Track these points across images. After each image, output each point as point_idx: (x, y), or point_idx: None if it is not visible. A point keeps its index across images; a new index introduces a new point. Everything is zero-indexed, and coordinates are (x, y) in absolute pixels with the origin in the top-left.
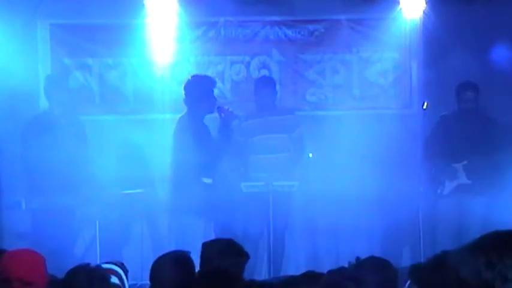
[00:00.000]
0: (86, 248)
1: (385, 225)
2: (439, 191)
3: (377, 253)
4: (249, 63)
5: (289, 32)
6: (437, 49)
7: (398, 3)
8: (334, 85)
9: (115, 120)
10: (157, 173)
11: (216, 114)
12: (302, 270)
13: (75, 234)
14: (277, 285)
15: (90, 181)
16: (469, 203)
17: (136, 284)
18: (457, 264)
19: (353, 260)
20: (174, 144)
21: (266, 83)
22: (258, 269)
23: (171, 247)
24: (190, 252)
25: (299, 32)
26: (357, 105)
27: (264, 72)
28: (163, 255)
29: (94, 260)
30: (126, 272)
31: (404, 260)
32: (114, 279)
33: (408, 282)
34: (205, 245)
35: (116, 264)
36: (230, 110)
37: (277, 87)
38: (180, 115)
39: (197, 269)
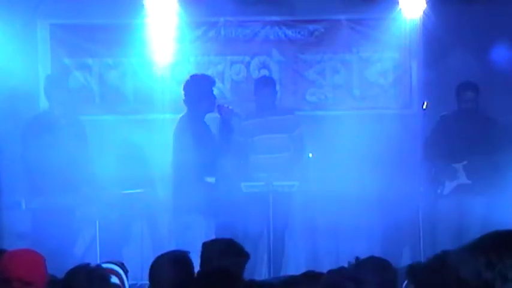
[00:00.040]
0: (86, 248)
1: (385, 225)
2: (439, 191)
3: (377, 253)
4: (249, 63)
5: (289, 32)
6: (437, 49)
7: (398, 3)
8: (334, 85)
9: (115, 120)
10: (157, 173)
11: (216, 113)
12: (302, 270)
13: (75, 234)
14: (277, 285)
15: (90, 181)
16: (469, 203)
17: (136, 284)
18: (457, 264)
19: (353, 260)
20: (175, 145)
21: (266, 83)
22: (258, 269)
23: (171, 247)
24: (189, 252)
25: (299, 32)
26: (357, 105)
27: (264, 72)
28: (162, 255)
29: (94, 260)
30: (126, 272)
31: (404, 260)
32: (114, 279)
33: (405, 282)
34: (205, 245)
35: (116, 264)
36: (230, 108)
37: (277, 87)
38: (180, 115)
39: (197, 269)
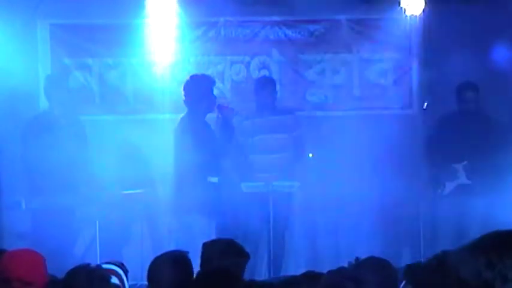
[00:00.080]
0: (86, 248)
1: (385, 225)
2: (439, 191)
3: (377, 253)
4: (249, 63)
5: (289, 32)
6: (437, 49)
7: (399, 3)
8: (334, 85)
9: (115, 120)
10: (157, 173)
11: (216, 113)
12: (302, 270)
13: (75, 234)
14: (277, 285)
15: (90, 181)
16: (469, 203)
17: (136, 284)
18: (457, 264)
19: (353, 260)
20: (176, 145)
21: (266, 83)
22: (258, 269)
23: (171, 247)
24: (188, 252)
25: (299, 32)
26: (357, 106)
27: (264, 72)
28: (161, 255)
29: (94, 260)
30: (126, 272)
31: (404, 260)
32: (114, 280)
33: (403, 282)
34: (205, 245)
35: (115, 265)
36: (230, 107)
37: (277, 87)
38: (180, 115)
39: (197, 269)
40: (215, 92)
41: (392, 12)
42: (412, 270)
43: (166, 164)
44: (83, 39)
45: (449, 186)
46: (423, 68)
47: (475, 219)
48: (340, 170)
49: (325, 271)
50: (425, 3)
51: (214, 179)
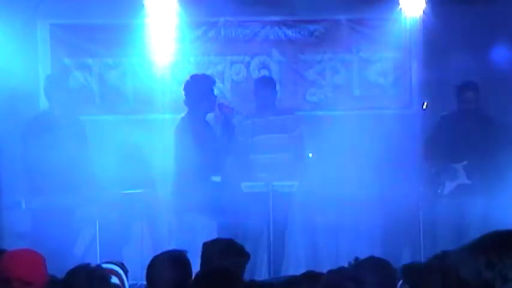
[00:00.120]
0: (86, 248)
1: (385, 225)
2: (439, 191)
3: (377, 253)
4: (249, 63)
5: (289, 32)
6: (437, 49)
7: (398, 3)
8: (334, 85)
9: (115, 120)
10: (157, 173)
11: (217, 112)
12: (302, 270)
13: (75, 234)
14: (277, 285)
15: (90, 181)
16: (469, 203)
17: (136, 284)
18: (457, 264)
19: (353, 260)
20: (178, 145)
21: (266, 83)
22: (258, 269)
23: (171, 247)
24: (187, 251)
25: (299, 32)
26: (357, 105)
27: (264, 72)
28: (160, 255)
29: (94, 260)
30: (126, 272)
31: (404, 260)
32: (114, 279)
33: (400, 281)
34: (205, 245)
35: (116, 264)
36: (231, 106)
37: (277, 87)
38: (180, 115)
39: (197, 268)
40: (215, 91)
41: (392, 12)
42: (409, 270)
43: (166, 164)
44: (83, 39)
45: (449, 186)
46: (423, 68)
47: (475, 219)
48: (340, 170)
49: (325, 271)
50: (426, 3)
51: (217, 178)
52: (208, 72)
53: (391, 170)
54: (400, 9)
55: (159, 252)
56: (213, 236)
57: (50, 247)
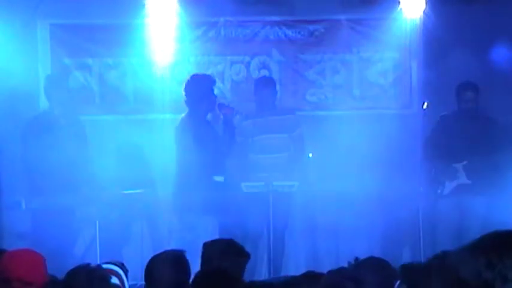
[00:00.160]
0: (86, 248)
1: (385, 225)
2: (439, 191)
3: (377, 253)
4: (249, 63)
5: (289, 32)
6: (437, 49)
7: (398, 3)
8: (334, 85)
9: (115, 120)
10: (157, 173)
11: (216, 112)
12: (302, 270)
13: (75, 234)
14: (277, 285)
15: (90, 181)
16: (469, 203)
17: (136, 284)
18: (457, 264)
19: (353, 260)
20: (179, 145)
21: (266, 83)
22: (258, 269)
23: (171, 247)
24: (185, 251)
25: (299, 32)
26: (357, 105)
27: (264, 72)
28: (158, 255)
29: (94, 260)
30: (126, 272)
31: (404, 260)
32: (114, 280)
33: (398, 282)
34: (206, 245)
35: (116, 264)
36: (231, 106)
37: (277, 87)
38: (180, 115)
39: (197, 269)
40: (215, 91)
41: (392, 12)
42: (407, 270)
43: (166, 164)
44: (83, 39)
45: (449, 186)
46: (423, 68)
47: (475, 219)
48: (340, 170)
49: (325, 271)
50: (425, 3)
51: (220, 178)
52: (208, 72)
53: (391, 170)
54: (400, 9)
55: (159, 252)
56: (214, 236)
57: (50, 247)
